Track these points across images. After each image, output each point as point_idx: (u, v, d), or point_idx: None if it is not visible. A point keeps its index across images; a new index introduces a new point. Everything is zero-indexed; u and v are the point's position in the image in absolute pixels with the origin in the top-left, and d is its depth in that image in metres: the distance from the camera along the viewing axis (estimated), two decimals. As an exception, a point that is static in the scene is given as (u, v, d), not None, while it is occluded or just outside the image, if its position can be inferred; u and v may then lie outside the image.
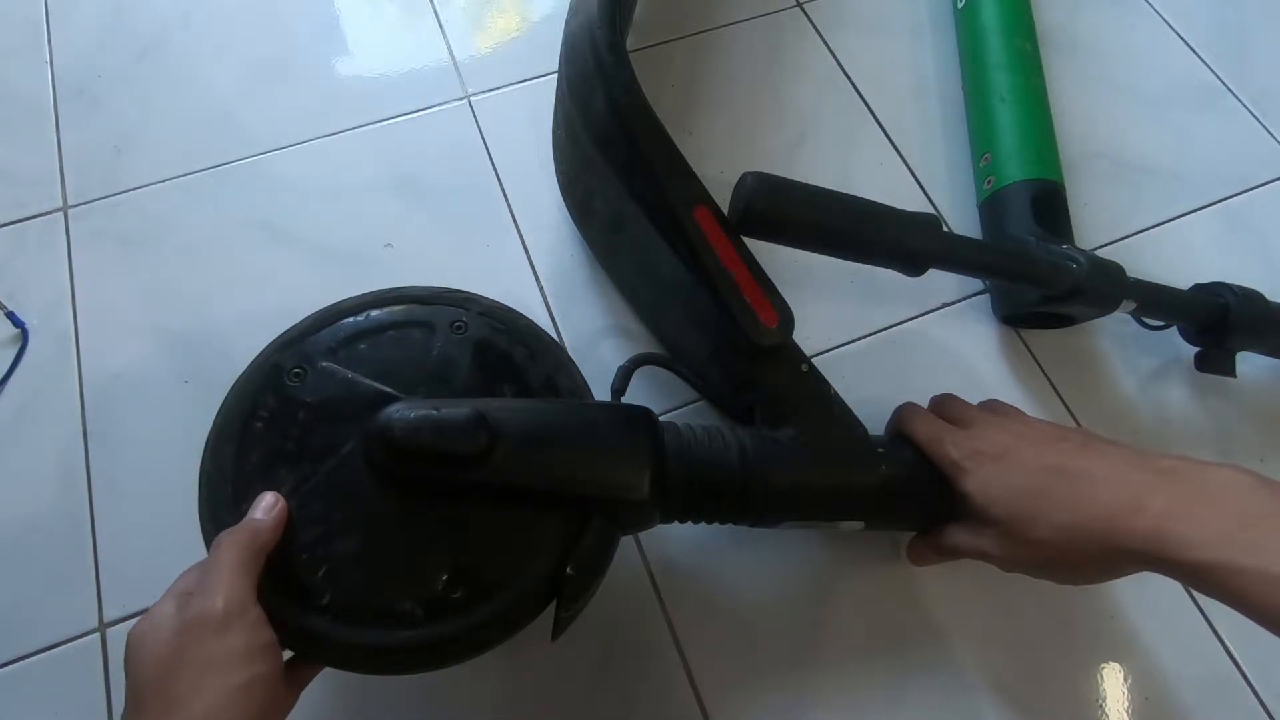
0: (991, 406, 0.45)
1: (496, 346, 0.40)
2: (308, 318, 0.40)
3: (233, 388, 0.38)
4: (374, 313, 0.40)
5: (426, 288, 0.42)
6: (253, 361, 0.39)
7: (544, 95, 0.60)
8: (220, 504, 0.35)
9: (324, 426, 0.37)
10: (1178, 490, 0.34)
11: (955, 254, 0.45)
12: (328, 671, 0.36)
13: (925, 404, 0.47)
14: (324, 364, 0.38)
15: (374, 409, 0.36)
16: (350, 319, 0.40)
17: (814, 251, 0.44)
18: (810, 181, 0.43)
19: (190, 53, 0.64)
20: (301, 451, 0.36)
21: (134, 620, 0.44)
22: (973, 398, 0.47)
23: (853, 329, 0.55)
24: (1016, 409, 0.44)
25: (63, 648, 0.44)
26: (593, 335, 0.54)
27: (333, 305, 0.41)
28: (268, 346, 0.39)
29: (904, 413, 0.45)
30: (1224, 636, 0.47)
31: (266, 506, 0.34)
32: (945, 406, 0.45)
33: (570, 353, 0.42)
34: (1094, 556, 0.35)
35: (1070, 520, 0.35)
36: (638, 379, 0.45)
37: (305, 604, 0.33)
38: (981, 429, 0.41)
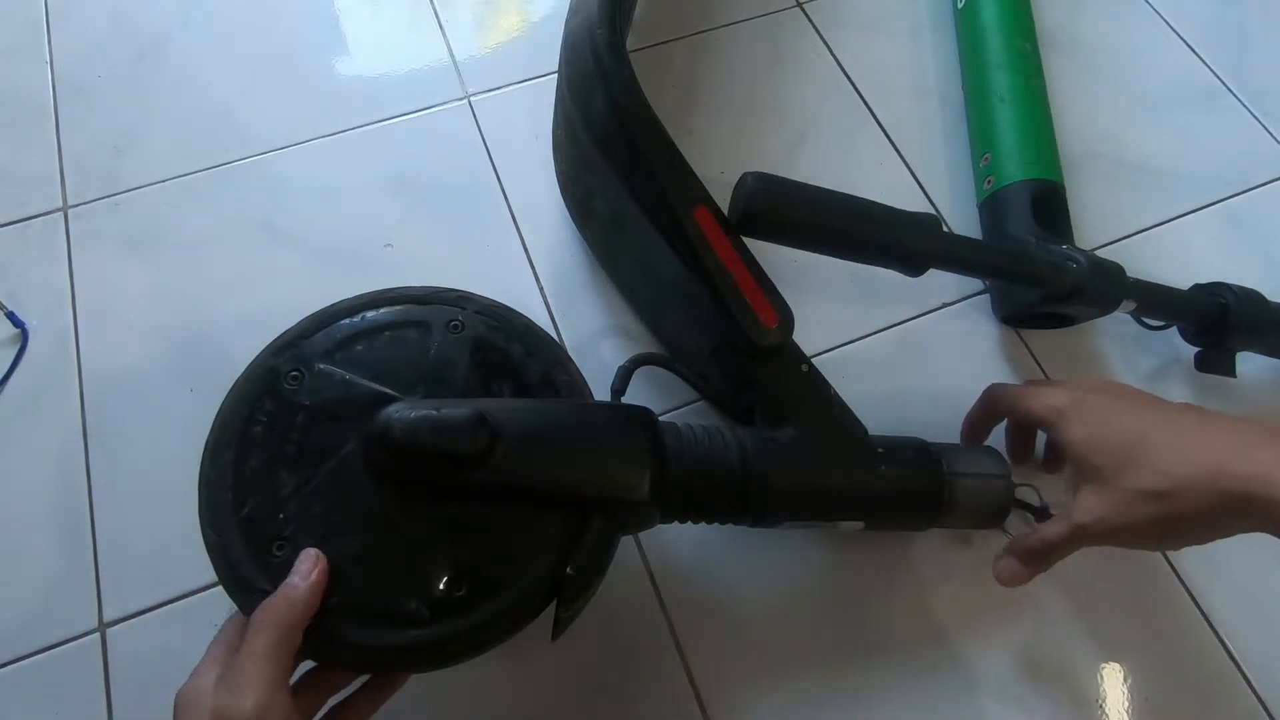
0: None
1: (493, 345, 0.40)
2: (304, 320, 0.40)
3: (230, 391, 0.38)
4: (370, 314, 0.40)
5: (422, 287, 0.42)
6: (249, 365, 0.39)
7: (544, 95, 0.60)
8: (220, 509, 0.35)
9: (323, 428, 0.37)
10: None
11: (955, 254, 0.45)
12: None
13: (929, 406, 0.47)
14: (321, 366, 0.38)
15: (372, 410, 0.36)
16: (347, 320, 0.40)
17: (814, 251, 0.44)
18: (810, 181, 0.43)
19: (190, 53, 0.64)
20: (301, 454, 0.36)
21: (133, 621, 0.45)
22: (973, 397, 0.47)
23: (853, 329, 0.55)
24: None
25: (63, 648, 0.44)
26: (593, 335, 0.54)
27: (329, 307, 0.41)
28: (264, 350, 0.39)
29: (991, 388, 0.46)
30: (1224, 636, 0.47)
31: (305, 571, 0.33)
32: (1029, 382, 0.46)
33: (570, 353, 0.42)
34: (1196, 507, 0.34)
35: (1176, 466, 0.35)
36: (638, 379, 0.45)
37: None
38: (1077, 383, 0.42)
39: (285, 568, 0.34)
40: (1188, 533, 0.36)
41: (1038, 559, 0.40)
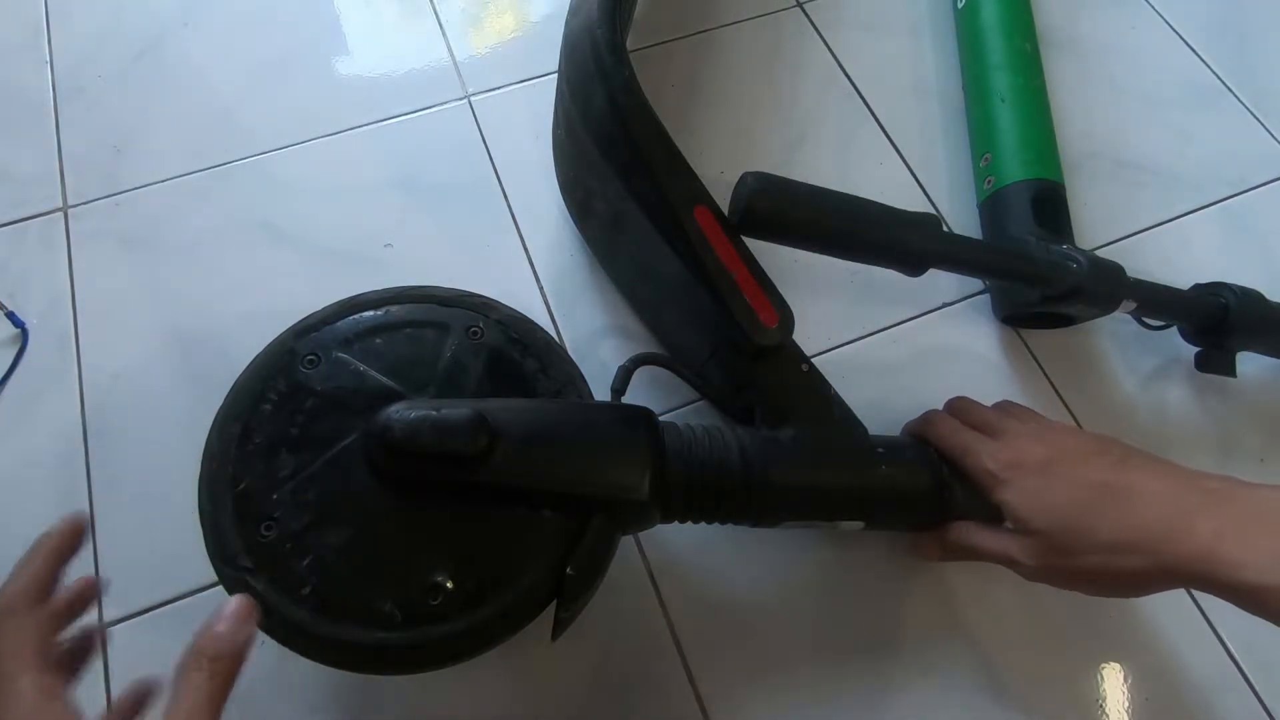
0: (1007, 409, 0.45)
1: (509, 356, 0.40)
2: (329, 306, 0.41)
3: (247, 368, 0.38)
4: (394, 308, 0.41)
5: (449, 289, 0.42)
6: (269, 344, 0.39)
7: (544, 95, 0.60)
8: (218, 480, 0.35)
9: (330, 416, 0.37)
10: (1229, 512, 0.33)
11: (955, 254, 0.45)
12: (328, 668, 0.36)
13: (929, 405, 0.47)
14: (338, 354, 0.38)
15: (380, 404, 0.36)
16: (370, 312, 0.40)
17: (814, 251, 0.44)
18: (810, 181, 0.43)
19: (190, 53, 0.64)
20: (305, 438, 0.36)
21: (133, 620, 0.45)
22: (973, 397, 0.47)
23: (853, 329, 0.55)
24: (1032, 411, 0.44)
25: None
26: (593, 335, 0.54)
27: (354, 296, 0.41)
28: (286, 331, 0.40)
29: (929, 418, 0.45)
30: (1224, 636, 0.47)
31: (238, 620, 0.28)
32: (966, 412, 0.45)
33: (570, 352, 0.42)
34: (1135, 574, 0.35)
35: (1117, 539, 0.35)
36: (638, 379, 0.45)
37: (286, 591, 0.33)
38: (1014, 439, 0.41)
39: (271, 549, 0.34)
40: (1124, 592, 0.37)
41: (960, 556, 0.43)
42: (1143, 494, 0.36)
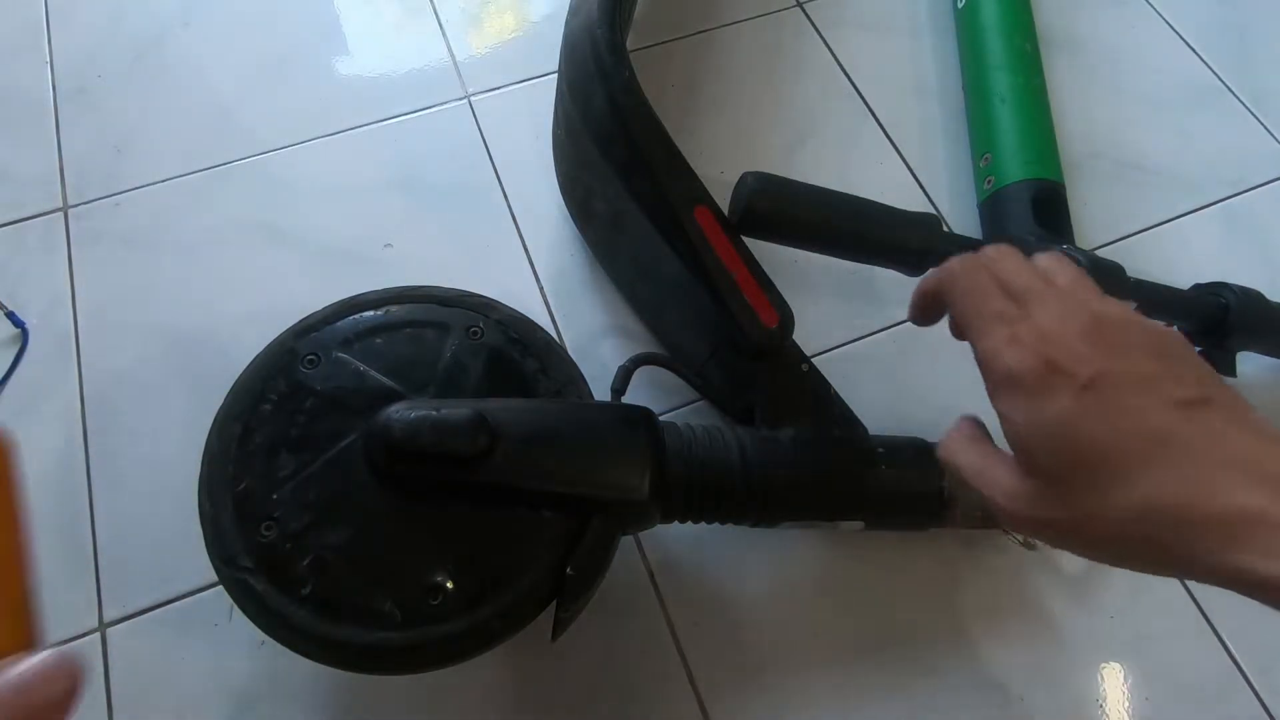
0: (1054, 269, 0.31)
1: (509, 357, 0.40)
2: (329, 306, 0.41)
3: (247, 367, 0.39)
4: (394, 308, 0.41)
5: (449, 289, 0.42)
6: (269, 344, 0.39)
7: (544, 95, 0.60)
8: (218, 480, 0.35)
9: (330, 416, 0.37)
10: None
11: (955, 254, 0.45)
12: (328, 668, 0.36)
13: (929, 405, 0.47)
14: (338, 354, 0.39)
15: (380, 405, 0.36)
16: (370, 312, 0.40)
17: (814, 251, 0.44)
18: (810, 181, 0.43)
19: (190, 52, 0.64)
20: (305, 438, 0.36)
21: (133, 621, 0.45)
22: (972, 398, 0.47)
23: (853, 329, 0.55)
24: (1086, 279, 0.31)
25: (62, 648, 0.44)
26: (593, 335, 0.54)
27: (354, 296, 0.41)
28: (286, 331, 0.40)
29: (952, 268, 0.33)
30: (1224, 636, 0.47)
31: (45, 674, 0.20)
32: (1001, 267, 0.32)
33: (570, 352, 0.42)
34: (1165, 556, 0.26)
35: (1154, 504, 0.25)
36: (638, 379, 0.45)
37: (286, 591, 0.33)
38: (1053, 322, 0.28)
39: (271, 549, 0.34)
40: (1143, 568, 0.28)
41: (964, 471, 0.33)
42: (1210, 458, 0.25)
